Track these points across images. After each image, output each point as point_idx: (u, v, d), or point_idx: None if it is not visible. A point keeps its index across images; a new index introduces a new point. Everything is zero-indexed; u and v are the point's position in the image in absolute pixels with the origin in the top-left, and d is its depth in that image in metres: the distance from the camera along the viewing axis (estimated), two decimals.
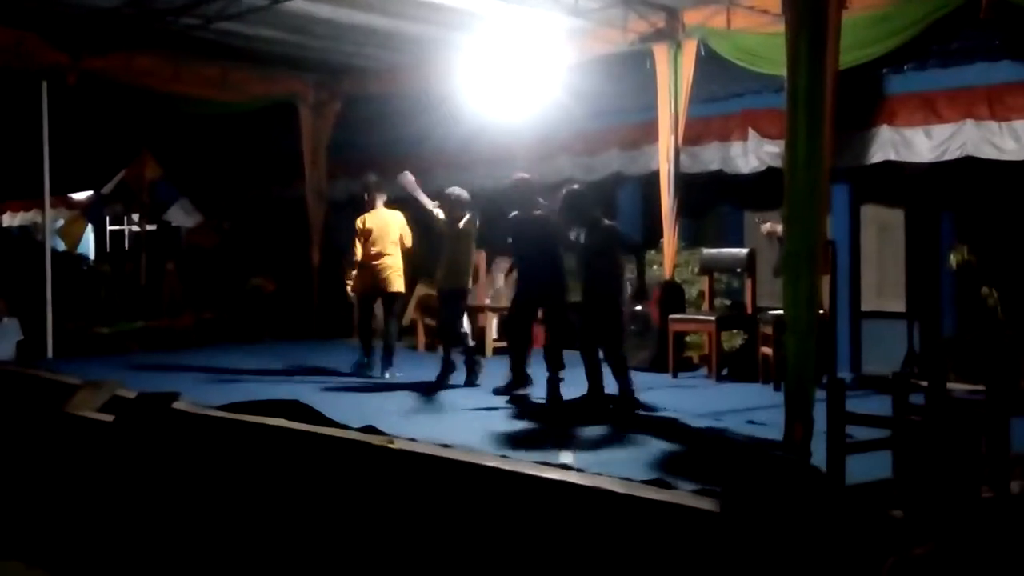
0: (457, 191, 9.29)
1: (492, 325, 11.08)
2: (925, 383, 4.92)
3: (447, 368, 9.06)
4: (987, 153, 8.70)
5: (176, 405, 7.32)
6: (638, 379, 7.99)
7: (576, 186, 8.47)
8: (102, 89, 11.99)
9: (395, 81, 12.56)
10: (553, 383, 8.09)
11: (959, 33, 8.73)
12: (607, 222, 8.02)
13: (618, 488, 5.00)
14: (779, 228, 7.67)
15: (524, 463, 5.63)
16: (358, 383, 9.29)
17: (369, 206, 9.82)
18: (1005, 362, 5.44)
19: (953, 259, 9.15)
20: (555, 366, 8.13)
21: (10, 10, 10.24)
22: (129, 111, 13.61)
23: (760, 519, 4.16)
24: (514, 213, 8.57)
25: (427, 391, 8.78)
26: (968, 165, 8.94)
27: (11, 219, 18.79)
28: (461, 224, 9.05)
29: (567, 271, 8.45)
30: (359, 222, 9.73)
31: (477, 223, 9.17)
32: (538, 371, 8.35)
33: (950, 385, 5.40)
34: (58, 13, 10.39)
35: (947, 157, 8.99)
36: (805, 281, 4.62)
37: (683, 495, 4.85)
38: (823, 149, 4.54)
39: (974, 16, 7.92)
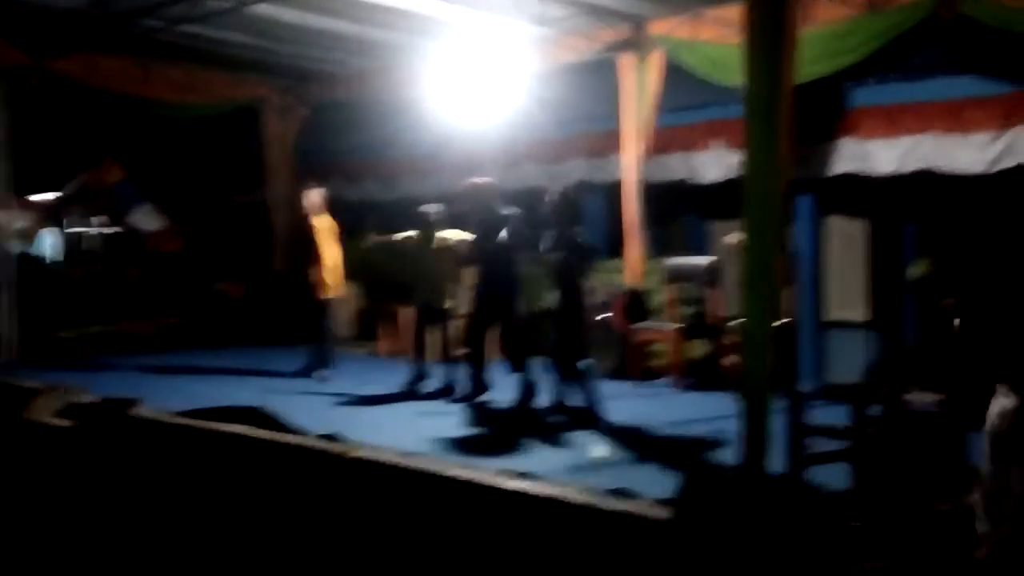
0: (431, 208, 9.27)
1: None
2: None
3: (416, 377, 9.07)
4: (947, 166, 8.79)
5: (136, 411, 7.26)
6: (602, 387, 8.01)
7: (564, 191, 8.42)
8: (65, 90, 11.86)
9: (362, 87, 12.54)
10: (526, 388, 8.10)
11: (921, 47, 8.81)
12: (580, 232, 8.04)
13: (576, 497, 5.01)
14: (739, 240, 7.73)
15: (485, 472, 5.63)
16: (323, 390, 9.26)
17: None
18: (962, 373, 5.49)
19: (915, 270, 9.23)
20: (523, 370, 8.16)
21: None
22: (92, 113, 13.46)
23: (714, 529, 4.18)
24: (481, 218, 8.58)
25: (397, 400, 8.76)
26: (930, 178, 9.03)
27: None
28: (434, 242, 9.05)
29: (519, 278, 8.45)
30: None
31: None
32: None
33: (911, 396, 5.44)
34: (20, 13, 10.28)
35: (907, 169, 9.07)
36: (761, 292, 4.64)
37: (641, 504, 4.87)
38: (779, 161, 4.56)
39: (936, 31, 8.01)
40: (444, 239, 9.05)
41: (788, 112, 4.52)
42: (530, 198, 10.61)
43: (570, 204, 8.00)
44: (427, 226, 9.12)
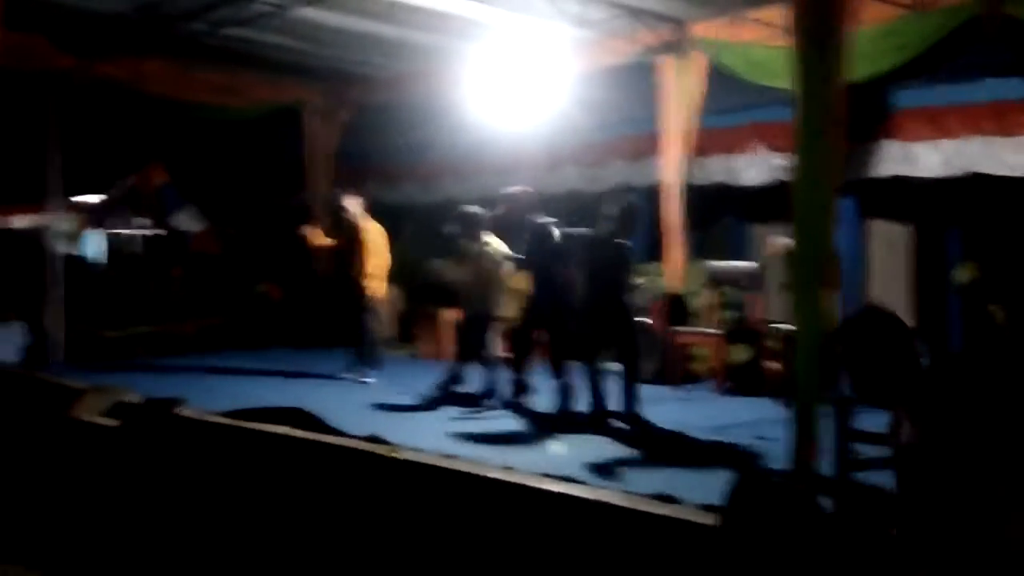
0: (470, 209, 9.13)
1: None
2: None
3: (453, 380, 9.05)
4: (994, 169, 8.69)
5: (181, 411, 7.32)
6: (642, 391, 7.99)
7: (631, 197, 8.39)
8: (110, 93, 12.00)
9: (402, 89, 12.58)
10: (565, 391, 8.10)
11: (967, 49, 8.72)
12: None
13: (621, 501, 4.99)
14: (785, 244, 7.68)
15: (528, 475, 5.62)
16: (363, 392, 9.29)
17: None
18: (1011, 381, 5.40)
19: (960, 275, 9.13)
20: (564, 374, 8.16)
21: (19, 13, 10.24)
22: (137, 116, 13.61)
23: (762, 536, 4.14)
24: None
25: (439, 403, 8.76)
26: (976, 181, 8.93)
27: (19, 222, 18.77)
28: (479, 247, 8.92)
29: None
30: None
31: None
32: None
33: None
34: (67, 17, 10.41)
35: (953, 173, 8.98)
36: (812, 296, 4.60)
37: (686, 510, 4.84)
38: (831, 163, 4.52)
39: (982, 32, 7.92)
40: (490, 245, 8.93)
41: (839, 115, 4.47)
42: (572, 202, 10.63)
43: (632, 212, 7.96)
44: (470, 228, 8.98)
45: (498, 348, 8.95)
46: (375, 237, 9.91)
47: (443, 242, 9.86)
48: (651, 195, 11.26)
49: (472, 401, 8.77)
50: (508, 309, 9.03)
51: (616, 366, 7.98)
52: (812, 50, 4.47)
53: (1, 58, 6.30)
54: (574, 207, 10.29)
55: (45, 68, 11.00)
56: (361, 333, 9.94)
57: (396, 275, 10.64)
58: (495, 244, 8.90)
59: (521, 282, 8.72)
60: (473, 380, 9.01)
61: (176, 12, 10.09)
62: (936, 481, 3.46)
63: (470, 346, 9.00)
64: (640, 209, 8.07)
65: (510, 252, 8.71)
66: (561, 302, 8.24)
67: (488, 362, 8.97)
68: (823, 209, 4.59)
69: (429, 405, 8.65)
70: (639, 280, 8.33)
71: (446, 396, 8.88)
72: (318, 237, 10.37)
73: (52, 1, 9.81)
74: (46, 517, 7.18)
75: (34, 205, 17.36)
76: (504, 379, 8.76)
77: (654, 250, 10.61)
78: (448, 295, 10.27)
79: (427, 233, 11.82)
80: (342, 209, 10.00)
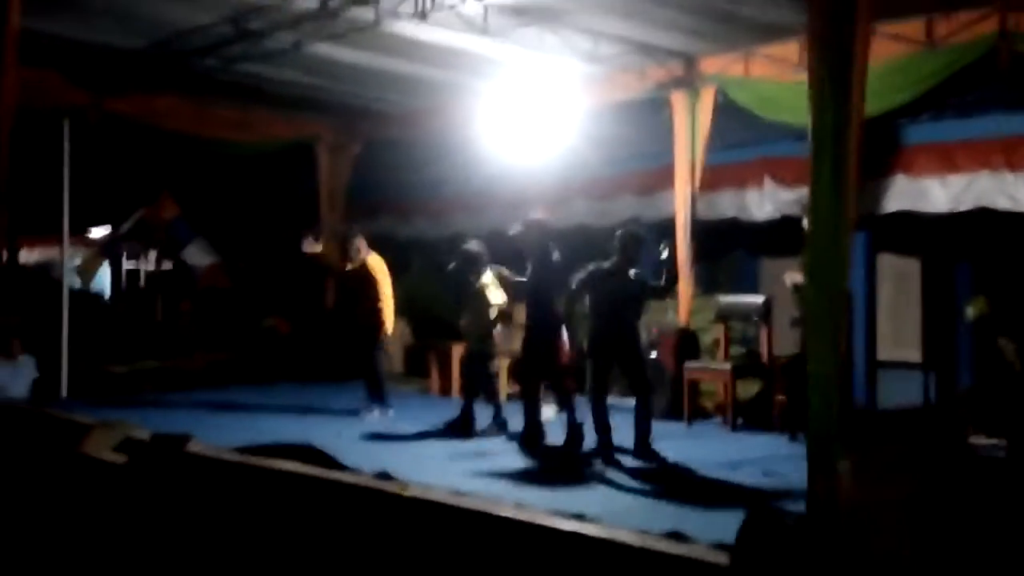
0: (471, 247, 9.25)
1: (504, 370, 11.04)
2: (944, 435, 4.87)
3: (464, 417, 9.06)
4: (1003, 204, 8.68)
5: (189, 447, 7.30)
6: (654, 427, 7.95)
7: (632, 227, 8.40)
8: (122, 128, 12.06)
9: (415, 125, 12.63)
10: (575, 429, 8.07)
11: (977, 85, 8.74)
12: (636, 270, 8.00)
13: (632, 540, 4.95)
14: (802, 279, 7.66)
15: (539, 512, 5.59)
16: (371, 428, 9.27)
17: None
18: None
19: (970, 310, 9.10)
20: (571, 410, 8.14)
21: (34, 49, 10.34)
22: (149, 150, 13.68)
23: (770, 574, 4.11)
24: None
25: (444, 438, 8.75)
26: (985, 216, 8.93)
27: (28, 255, 18.85)
28: (478, 283, 9.08)
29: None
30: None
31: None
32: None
33: (970, 439, 5.35)
34: (81, 53, 10.50)
35: (962, 208, 8.98)
36: (827, 332, 4.56)
37: (698, 548, 4.80)
38: (847, 201, 4.50)
39: (992, 68, 7.94)
40: (484, 283, 9.06)
41: (855, 149, 4.46)
42: (581, 235, 10.64)
43: (636, 242, 7.96)
44: (471, 264, 9.11)
45: (503, 383, 9.00)
46: (382, 272, 9.92)
47: (447, 278, 9.88)
48: (661, 229, 11.28)
49: (480, 437, 8.76)
50: (514, 344, 9.06)
51: (627, 401, 7.96)
52: (829, 82, 4.46)
53: (15, 93, 6.34)
54: (583, 241, 10.31)
55: (58, 104, 11.07)
56: (373, 369, 9.91)
57: (404, 309, 10.64)
58: (492, 283, 9.01)
59: (522, 315, 8.77)
60: (483, 416, 9.02)
61: (189, 48, 10.17)
62: None
63: (473, 382, 9.15)
64: (643, 239, 8.06)
65: (515, 280, 8.72)
66: (556, 335, 8.23)
67: (493, 397, 9.02)
68: (840, 245, 4.56)
69: (439, 441, 8.62)
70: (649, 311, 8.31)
71: (456, 433, 8.87)
72: (316, 249, 10.29)
73: (66, 37, 9.88)
74: (54, 553, 7.16)
75: (44, 238, 17.48)
76: (512, 414, 8.75)
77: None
78: (454, 330, 10.28)
79: (436, 267, 11.84)
80: (352, 246, 10.01)
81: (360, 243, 9.98)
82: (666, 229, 10.63)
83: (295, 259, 14.31)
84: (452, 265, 9.31)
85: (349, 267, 9.98)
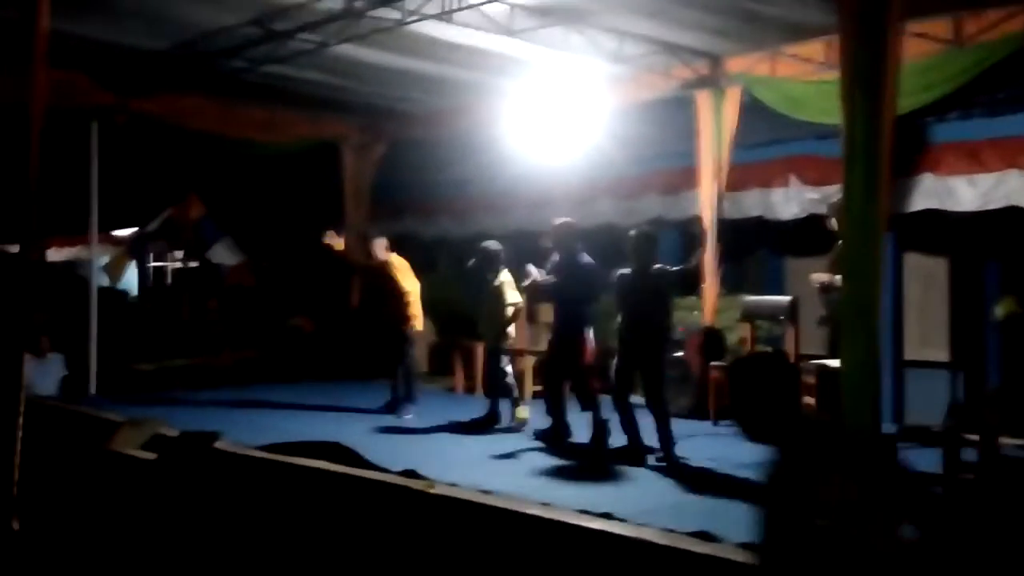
0: (490, 246, 9.34)
1: (529, 369, 11.06)
2: (973, 437, 4.84)
3: (490, 415, 9.11)
4: None
5: (217, 445, 7.36)
6: (678, 426, 7.94)
7: (644, 227, 8.43)
8: (149, 129, 12.15)
9: (439, 125, 12.65)
10: (600, 427, 8.07)
11: (1005, 83, 8.69)
12: (656, 265, 7.99)
13: (660, 539, 4.96)
14: (829, 279, 7.62)
15: (565, 511, 5.60)
16: (397, 426, 9.31)
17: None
18: None
19: (999, 309, 9.04)
20: (595, 408, 8.14)
21: (61, 51, 10.40)
22: (175, 150, 13.77)
23: (797, 574, 4.10)
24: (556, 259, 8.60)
25: (468, 436, 8.79)
26: (1014, 214, 8.87)
27: (56, 254, 19.01)
28: (496, 281, 9.18)
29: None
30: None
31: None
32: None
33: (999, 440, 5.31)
34: (108, 55, 10.57)
35: (991, 206, 8.93)
36: (861, 332, 4.54)
37: (725, 548, 4.80)
38: (880, 202, 4.48)
39: (1021, 66, 7.89)
40: (501, 281, 9.15)
41: (887, 149, 4.43)
42: (607, 234, 10.64)
43: (649, 241, 7.96)
44: (489, 263, 9.18)
45: (528, 382, 9.07)
46: (405, 270, 9.96)
47: (466, 276, 9.92)
48: (686, 229, 11.28)
49: (504, 434, 8.79)
50: (537, 342, 9.13)
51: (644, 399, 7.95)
52: (859, 85, 4.44)
53: (45, 95, 6.40)
54: (609, 240, 10.30)
55: (87, 104, 11.16)
56: (404, 367, 9.95)
57: (429, 308, 10.67)
58: (509, 282, 9.13)
59: (548, 315, 8.82)
60: (506, 413, 9.06)
61: (215, 49, 10.21)
62: None
63: (492, 379, 9.32)
64: (655, 238, 8.06)
65: (544, 280, 8.73)
66: (583, 335, 8.25)
67: (509, 394, 9.06)
68: (873, 244, 4.54)
69: (464, 439, 8.65)
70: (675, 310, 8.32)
71: (481, 430, 8.91)
72: (335, 242, 10.33)
73: (94, 39, 9.95)
74: (85, 550, 7.22)
75: (72, 237, 17.63)
76: (538, 412, 8.78)
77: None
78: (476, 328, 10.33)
79: (460, 267, 11.85)
80: (372, 248, 10.09)
81: (380, 245, 10.03)
82: (690, 231, 10.65)
83: (320, 258, 14.42)
84: (471, 263, 9.40)
85: (373, 264, 10.05)
